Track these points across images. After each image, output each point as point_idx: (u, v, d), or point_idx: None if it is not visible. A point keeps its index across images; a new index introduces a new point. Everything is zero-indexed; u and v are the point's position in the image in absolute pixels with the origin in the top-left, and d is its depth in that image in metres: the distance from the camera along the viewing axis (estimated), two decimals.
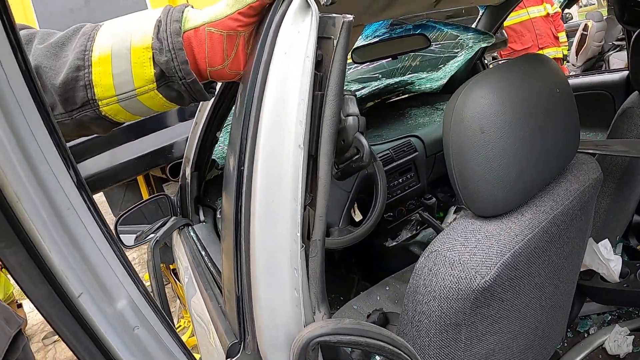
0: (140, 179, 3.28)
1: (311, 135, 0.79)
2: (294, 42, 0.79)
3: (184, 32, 0.78)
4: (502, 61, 4.69)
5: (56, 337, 4.54)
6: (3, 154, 0.54)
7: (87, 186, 0.63)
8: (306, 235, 0.81)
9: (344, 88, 0.83)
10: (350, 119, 0.86)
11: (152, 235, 1.82)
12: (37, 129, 0.57)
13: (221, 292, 1.18)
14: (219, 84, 1.43)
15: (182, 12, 0.79)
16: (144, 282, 0.72)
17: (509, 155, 0.87)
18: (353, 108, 0.87)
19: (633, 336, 2.01)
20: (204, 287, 1.30)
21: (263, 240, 0.79)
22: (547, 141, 0.93)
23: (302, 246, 0.80)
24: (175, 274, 3.07)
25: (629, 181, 1.84)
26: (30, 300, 0.59)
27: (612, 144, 1.46)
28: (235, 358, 0.88)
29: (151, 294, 0.78)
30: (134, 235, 1.91)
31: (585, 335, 2.15)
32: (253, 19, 0.80)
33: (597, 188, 1.11)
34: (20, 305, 4.83)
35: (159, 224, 1.89)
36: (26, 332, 4.81)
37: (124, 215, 1.97)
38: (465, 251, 0.88)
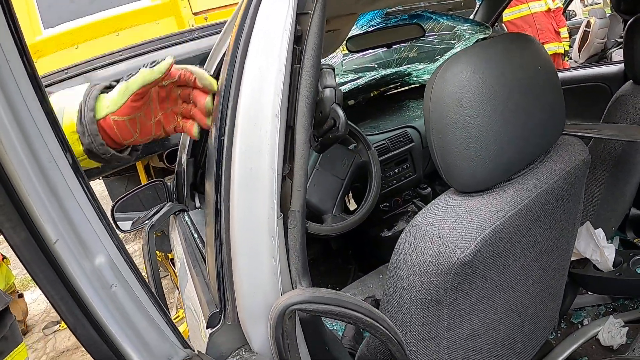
0: (141, 170, 3.30)
1: (289, 106, 0.81)
2: (273, 17, 0.82)
3: (97, 121, 0.91)
4: None
5: (56, 327, 4.57)
6: None
7: (68, 143, 0.64)
8: (286, 205, 0.83)
9: (325, 61, 0.84)
10: (327, 90, 0.88)
11: (148, 221, 1.83)
12: (21, 81, 0.58)
13: (207, 267, 1.19)
14: None
15: (96, 98, 0.91)
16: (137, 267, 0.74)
17: (488, 130, 0.87)
18: (330, 80, 0.89)
19: (627, 328, 2.00)
20: (194, 266, 1.31)
21: (242, 208, 0.81)
22: (528, 118, 0.92)
23: (281, 215, 0.81)
24: (174, 264, 3.09)
25: (623, 170, 1.83)
26: (10, 245, 0.61)
27: (601, 127, 1.46)
28: (215, 328, 0.89)
29: (146, 279, 0.80)
30: (130, 222, 1.92)
31: (579, 327, 2.14)
32: (142, 101, 0.93)
33: (584, 170, 1.10)
34: (21, 295, 4.86)
35: (155, 209, 1.90)
36: (27, 323, 4.84)
37: (121, 201, 1.99)
38: (445, 225, 0.88)
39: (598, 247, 1.76)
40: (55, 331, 4.57)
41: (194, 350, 0.82)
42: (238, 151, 0.82)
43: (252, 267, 0.82)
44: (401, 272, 0.91)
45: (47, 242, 0.62)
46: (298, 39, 0.83)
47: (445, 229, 0.87)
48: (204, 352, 0.88)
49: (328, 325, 1.35)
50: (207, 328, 0.90)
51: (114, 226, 0.71)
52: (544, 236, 1.07)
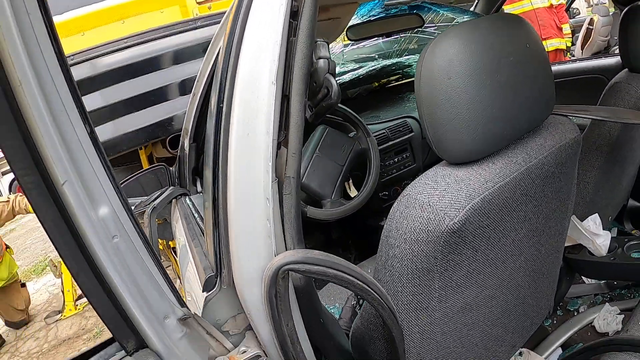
0: (144, 160, 3.34)
1: (285, 76, 0.84)
2: None
3: None
4: None
5: (58, 316, 4.60)
6: (14, 54, 0.60)
7: (81, 97, 0.68)
8: (281, 171, 0.86)
9: (317, 37, 0.88)
10: (321, 61, 0.91)
11: (149, 204, 1.86)
12: (43, 41, 0.63)
13: (204, 236, 1.22)
14: None
15: None
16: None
17: (476, 102, 0.89)
18: (324, 52, 0.92)
19: (623, 315, 2.01)
20: (193, 240, 1.34)
21: (238, 171, 0.85)
22: (517, 93, 0.95)
23: (275, 179, 0.84)
24: (175, 253, 3.11)
25: (618, 156, 1.85)
26: (21, 186, 0.64)
27: (593, 109, 1.45)
28: (211, 291, 0.92)
29: None
30: (132, 206, 1.95)
31: (575, 314, 2.15)
32: None
33: (574, 149, 1.12)
34: (24, 285, 4.90)
35: (157, 194, 1.93)
36: (29, 312, 4.87)
37: (123, 185, 2.02)
38: (434, 194, 0.90)
39: (589, 238, 1.78)
40: (57, 320, 4.61)
41: (190, 311, 0.85)
42: (236, 117, 0.86)
43: (247, 229, 0.85)
44: (392, 241, 0.93)
45: (55, 183, 0.65)
46: (294, 14, 0.86)
47: (435, 197, 0.89)
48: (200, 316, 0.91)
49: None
50: (203, 292, 0.93)
51: (117, 180, 0.74)
52: (534, 212, 1.08)
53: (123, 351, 0.81)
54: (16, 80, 0.60)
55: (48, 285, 5.78)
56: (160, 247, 3.61)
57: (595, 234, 1.78)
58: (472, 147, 0.92)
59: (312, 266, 0.77)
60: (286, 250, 0.87)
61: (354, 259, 2.71)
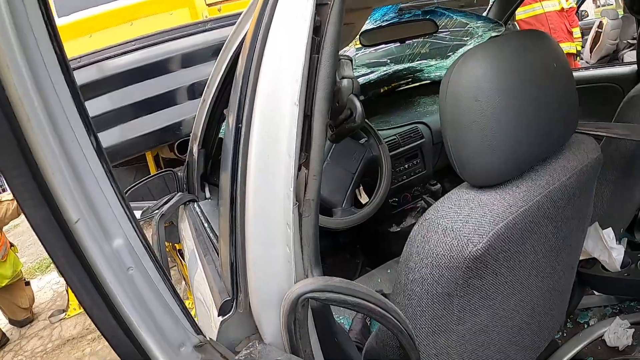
0: (150, 161, 3.33)
1: (307, 95, 0.81)
2: (293, 7, 0.82)
3: None
4: None
5: (62, 315, 4.61)
6: (18, 78, 0.57)
7: (92, 124, 0.65)
8: (301, 194, 0.83)
9: (341, 53, 0.85)
10: (345, 81, 0.89)
11: (158, 210, 1.85)
12: (47, 54, 0.60)
13: (219, 256, 1.20)
14: None
15: None
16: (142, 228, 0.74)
17: (502, 124, 0.87)
18: (348, 71, 0.90)
19: (633, 329, 1.99)
20: (204, 255, 1.32)
21: (257, 195, 0.82)
22: (542, 114, 0.93)
23: (296, 203, 0.81)
24: (182, 255, 3.11)
25: (633, 170, 1.83)
26: (30, 224, 0.61)
27: (613, 127, 1.44)
28: (227, 316, 0.90)
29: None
30: (140, 211, 1.94)
31: (585, 327, 2.14)
32: None
33: (596, 169, 1.10)
34: (28, 283, 4.90)
35: (165, 199, 1.92)
36: (33, 310, 4.88)
37: (130, 191, 2.00)
38: (458, 219, 0.88)
39: (606, 248, 1.75)
40: (61, 319, 4.61)
41: (205, 337, 0.83)
42: (255, 138, 0.83)
43: (266, 255, 0.83)
44: (413, 265, 0.92)
45: (68, 221, 0.63)
46: (317, 29, 0.83)
47: (459, 222, 0.87)
48: (215, 340, 0.89)
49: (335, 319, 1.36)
50: (218, 316, 0.91)
51: (132, 209, 0.71)
52: (554, 233, 1.06)
53: None
54: (25, 117, 0.57)
55: (52, 283, 5.78)
56: (167, 249, 3.61)
57: (611, 247, 1.76)
58: (497, 170, 0.91)
59: (333, 294, 0.75)
60: (304, 273, 0.85)
61: (361, 265, 2.70)
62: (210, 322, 1.01)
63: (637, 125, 1.60)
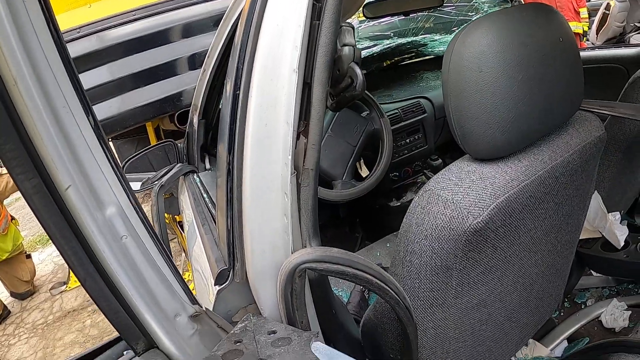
0: (151, 132, 3.32)
1: (307, 62, 0.80)
2: None
3: None
4: None
5: (63, 287, 4.64)
6: (7, 47, 0.56)
7: (83, 90, 0.64)
8: (300, 163, 0.82)
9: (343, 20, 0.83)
10: (346, 49, 0.87)
11: (157, 181, 1.84)
12: (40, 29, 0.58)
13: (217, 225, 1.20)
14: None
15: None
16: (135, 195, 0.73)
17: (506, 97, 0.86)
18: (349, 39, 0.88)
19: (630, 312, 2.02)
20: (202, 225, 1.32)
21: (255, 164, 0.81)
22: (547, 89, 0.91)
23: (294, 172, 0.81)
24: (182, 227, 3.11)
25: (636, 153, 1.82)
26: (21, 192, 0.61)
27: (618, 106, 1.42)
28: (223, 285, 0.89)
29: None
30: (140, 182, 1.93)
31: (583, 307, 2.16)
32: None
33: (599, 147, 1.09)
34: (29, 256, 4.92)
35: (165, 170, 1.91)
36: (34, 283, 4.90)
37: (130, 161, 2.00)
38: (458, 191, 0.87)
39: (607, 219, 1.76)
40: (62, 292, 4.64)
41: (201, 307, 0.83)
42: (253, 106, 0.82)
43: (263, 224, 0.83)
44: (412, 236, 0.91)
45: (59, 188, 0.62)
46: None
47: (459, 194, 0.86)
48: (211, 310, 0.89)
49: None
50: (215, 285, 0.91)
51: (125, 177, 0.70)
52: (555, 210, 1.06)
53: (131, 351, 0.79)
54: (11, 80, 0.56)
55: (53, 255, 5.80)
56: (167, 221, 3.62)
57: (615, 227, 1.78)
58: (499, 143, 0.89)
59: (331, 265, 0.75)
60: (302, 244, 0.84)
61: (361, 239, 2.70)
62: (208, 293, 1.01)
63: None
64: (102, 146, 0.66)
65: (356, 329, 1.22)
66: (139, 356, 0.78)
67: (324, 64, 0.80)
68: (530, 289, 1.20)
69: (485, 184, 0.88)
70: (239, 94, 0.85)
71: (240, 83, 0.85)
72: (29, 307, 4.65)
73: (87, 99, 0.65)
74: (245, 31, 0.88)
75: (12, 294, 4.79)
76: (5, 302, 4.63)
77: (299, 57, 0.78)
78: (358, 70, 0.88)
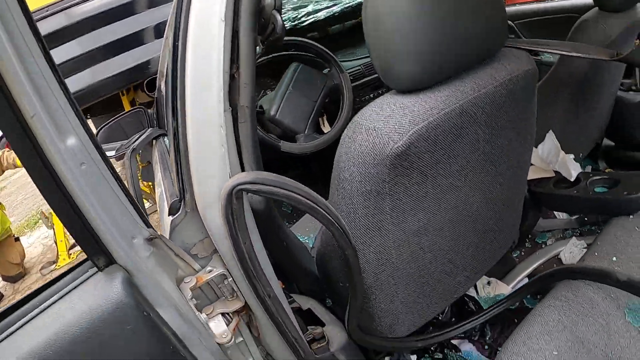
0: (127, 106, 3.39)
1: (234, 12, 0.92)
2: None
3: None
4: None
5: (53, 266, 4.66)
6: None
7: (41, 35, 0.72)
8: (236, 102, 0.93)
9: None
10: None
11: (130, 146, 1.90)
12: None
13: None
14: None
15: None
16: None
17: (420, 31, 0.92)
18: None
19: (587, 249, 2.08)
20: (164, 174, 1.41)
21: (195, 104, 0.93)
22: (464, 23, 0.97)
23: (229, 109, 0.91)
24: None
25: (585, 94, 1.88)
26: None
27: (554, 44, 1.43)
28: (177, 215, 0.99)
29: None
30: (114, 151, 1.99)
31: (543, 247, 2.22)
32: None
33: (529, 80, 1.14)
34: (17, 239, 4.93)
35: (137, 136, 1.97)
36: (25, 265, 4.92)
37: (104, 129, 2.06)
38: (379, 119, 0.94)
39: (560, 154, 1.85)
40: (52, 271, 4.69)
41: (156, 232, 0.92)
42: (190, 53, 0.93)
43: (204, 155, 0.94)
44: (343, 165, 0.99)
45: (25, 115, 0.71)
46: None
47: (380, 122, 0.94)
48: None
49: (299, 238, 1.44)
50: (168, 215, 1.00)
51: (82, 113, 0.80)
52: (487, 140, 1.12)
53: (95, 267, 0.89)
54: None
55: (41, 238, 5.83)
56: (147, 189, 3.69)
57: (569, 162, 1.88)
58: (418, 75, 0.96)
59: (263, 186, 0.84)
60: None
61: (321, 193, 2.73)
62: (165, 227, 1.10)
63: (582, 44, 1.62)
64: (60, 86, 0.75)
65: (311, 262, 1.29)
66: (101, 271, 0.88)
67: (249, 12, 0.92)
68: (475, 221, 1.26)
69: (404, 112, 0.95)
70: (177, 44, 0.97)
71: (179, 34, 0.97)
72: (21, 289, 4.71)
73: (44, 42, 0.73)
74: None
75: (4, 278, 4.84)
76: None
77: (225, 7, 0.90)
78: (278, 17, 0.99)
